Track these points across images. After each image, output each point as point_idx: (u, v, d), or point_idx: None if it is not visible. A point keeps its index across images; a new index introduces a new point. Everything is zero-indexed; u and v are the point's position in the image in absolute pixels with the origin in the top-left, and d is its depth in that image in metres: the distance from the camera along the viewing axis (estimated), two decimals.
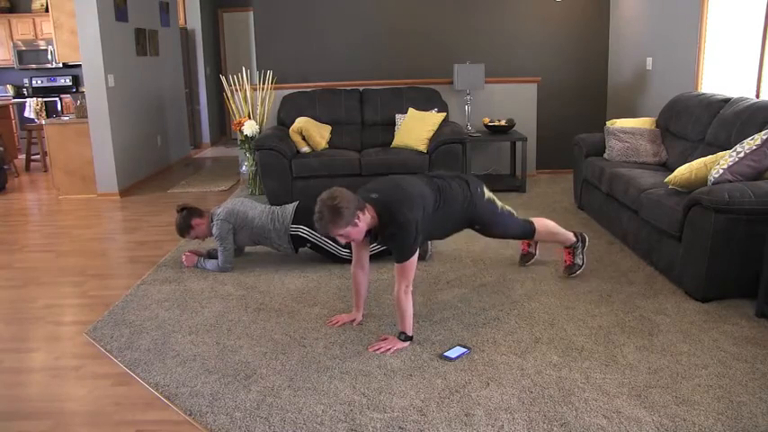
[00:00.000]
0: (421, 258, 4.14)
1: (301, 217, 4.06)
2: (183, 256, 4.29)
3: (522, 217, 3.67)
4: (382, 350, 2.97)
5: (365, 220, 2.89)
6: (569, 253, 3.84)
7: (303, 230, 4.06)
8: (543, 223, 3.73)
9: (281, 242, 4.12)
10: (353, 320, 3.30)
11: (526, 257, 4.08)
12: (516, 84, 6.70)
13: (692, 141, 4.56)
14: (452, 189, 3.23)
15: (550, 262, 4.11)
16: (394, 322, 3.24)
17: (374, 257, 4.11)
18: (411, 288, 3.01)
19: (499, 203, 3.49)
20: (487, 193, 3.43)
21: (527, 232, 3.66)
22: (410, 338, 3.04)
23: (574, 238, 3.82)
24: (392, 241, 2.96)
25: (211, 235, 4.18)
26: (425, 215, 3.02)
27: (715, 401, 2.49)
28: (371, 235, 3.05)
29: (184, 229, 4.19)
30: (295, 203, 4.19)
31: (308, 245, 4.14)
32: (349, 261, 4.07)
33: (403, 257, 2.94)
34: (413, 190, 3.03)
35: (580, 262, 3.82)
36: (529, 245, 4.07)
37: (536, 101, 6.69)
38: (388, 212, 2.91)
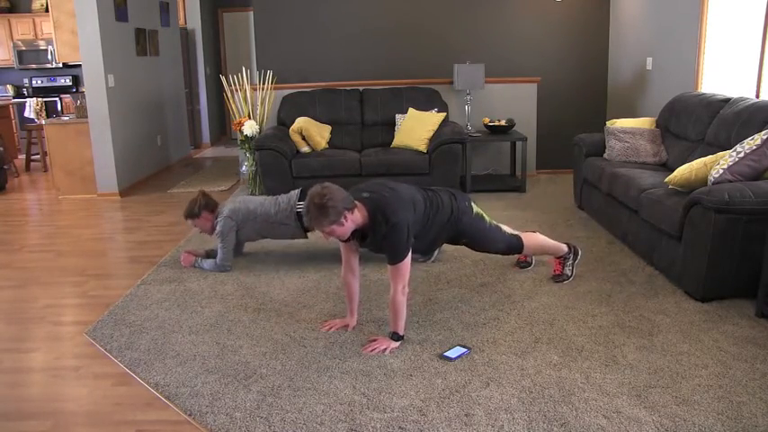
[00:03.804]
0: (425, 260, 4.16)
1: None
2: (182, 256, 4.29)
3: (511, 232, 3.67)
4: (378, 350, 2.97)
5: (353, 219, 2.87)
6: (559, 263, 3.86)
7: None
8: (532, 238, 3.73)
9: (289, 222, 4.05)
10: (346, 326, 3.27)
11: (522, 264, 4.08)
12: (516, 84, 6.70)
13: (692, 141, 4.56)
14: (442, 201, 3.25)
15: (550, 263, 4.11)
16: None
17: (374, 259, 4.11)
18: (407, 289, 3.01)
19: (488, 219, 3.51)
20: (476, 209, 3.45)
21: (514, 247, 3.65)
22: (401, 338, 3.05)
23: (566, 249, 3.82)
24: (385, 242, 2.95)
25: (213, 232, 4.17)
26: (416, 220, 3.04)
27: (715, 401, 2.49)
28: (359, 236, 3.03)
29: (192, 214, 4.14)
30: (299, 188, 4.20)
31: None
32: None
33: (397, 258, 2.94)
34: (405, 193, 3.05)
35: (569, 273, 3.83)
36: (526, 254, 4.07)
37: (536, 101, 6.69)
38: (381, 213, 2.90)
